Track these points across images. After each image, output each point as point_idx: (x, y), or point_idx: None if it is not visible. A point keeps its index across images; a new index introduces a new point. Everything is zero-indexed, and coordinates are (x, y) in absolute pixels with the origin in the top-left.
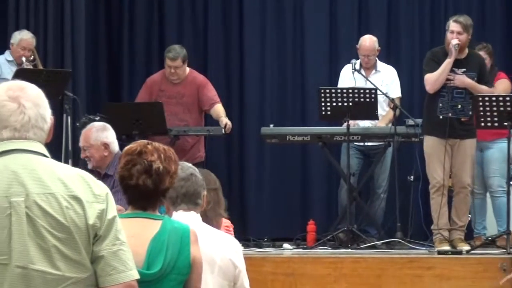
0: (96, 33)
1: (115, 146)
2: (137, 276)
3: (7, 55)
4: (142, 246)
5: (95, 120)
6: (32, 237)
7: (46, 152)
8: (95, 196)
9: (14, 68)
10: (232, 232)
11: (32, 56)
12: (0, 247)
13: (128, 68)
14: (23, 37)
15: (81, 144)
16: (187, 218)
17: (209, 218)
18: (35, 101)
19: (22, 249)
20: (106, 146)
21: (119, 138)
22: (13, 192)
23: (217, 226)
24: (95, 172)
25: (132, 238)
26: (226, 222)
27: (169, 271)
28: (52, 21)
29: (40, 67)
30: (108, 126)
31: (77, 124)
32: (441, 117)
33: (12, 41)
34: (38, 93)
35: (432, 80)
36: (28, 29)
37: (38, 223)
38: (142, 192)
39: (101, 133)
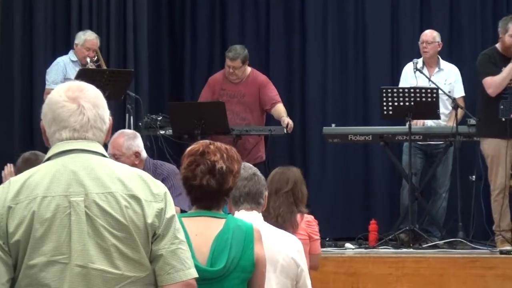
0: (159, 33)
1: (144, 153)
2: (196, 275)
3: (71, 55)
4: (206, 244)
5: (157, 120)
6: (92, 237)
7: (105, 152)
8: (153, 195)
9: (78, 69)
10: (316, 228)
11: (96, 57)
12: (60, 247)
13: (190, 68)
14: (87, 38)
15: (111, 151)
16: (249, 218)
17: (279, 223)
18: (94, 102)
19: (81, 248)
20: (137, 154)
21: (181, 138)
22: (73, 191)
23: (292, 226)
24: None
25: (196, 236)
26: (307, 217)
27: (233, 269)
28: (114, 21)
29: (104, 67)
30: (137, 133)
31: (140, 124)
32: (503, 119)
33: (76, 41)
34: (97, 94)
35: (496, 83)
36: (91, 30)
37: (97, 222)
38: (206, 192)
39: (132, 142)
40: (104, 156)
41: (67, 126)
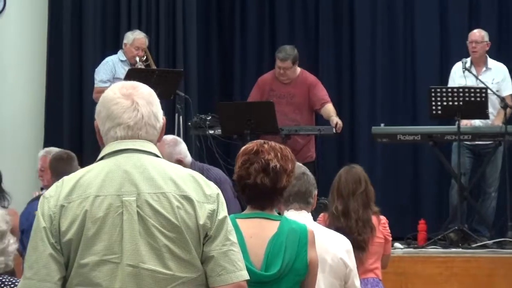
0: (208, 33)
1: (188, 159)
2: (247, 277)
3: (120, 55)
4: (260, 247)
5: (207, 120)
6: (143, 236)
7: (157, 152)
8: (206, 196)
9: (127, 68)
10: (388, 229)
11: (145, 56)
12: (112, 246)
13: (239, 67)
14: (136, 37)
15: None
16: (298, 218)
17: (359, 226)
18: (148, 99)
19: (133, 248)
20: (179, 162)
21: (231, 138)
22: (125, 191)
23: (371, 228)
24: None
25: (251, 238)
26: (382, 219)
27: (287, 272)
28: (164, 20)
29: (153, 66)
30: (180, 139)
31: (189, 123)
32: None
33: (125, 41)
34: (150, 92)
35: None
36: (140, 29)
37: (149, 222)
38: (260, 191)
39: (173, 149)
40: (157, 156)
41: (121, 123)
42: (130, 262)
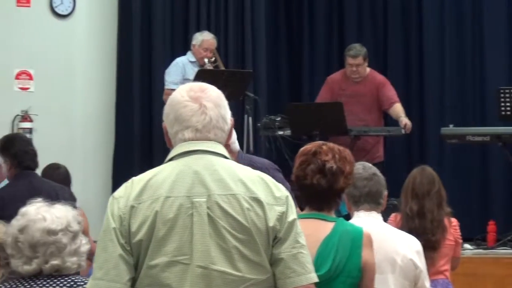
0: (277, 33)
1: (236, 146)
2: (316, 279)
3: (189, 56)
4: (312, 247)
5: (276, 121)
6: (213, 238)
7: (226, 153)
8: (275, 198)
9: (196, 69)
10: (459, 231)
11: (214, 57)
12: (182, 247)
13: (308, 68)
14: (204, 38)
15: None
16: (368, 218)
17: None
18: (216, 102)
19: (203, 249)
20: (226, 146)
21: (299, 138)
22: (195, 192)
23: (443, 229)
24: None
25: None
26: (453, 221)
27: (338, 274)
28: (232, 21)
29: (222, 68)
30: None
31: (258, 124)
32: None
33: (193, 42)
34: (219, 94)
35: None
36: (209, 30)
37: (219, 223)
38: (316, 191)
39: None
40: (226, 157)
41: (189, 126)
42: (200, 263)
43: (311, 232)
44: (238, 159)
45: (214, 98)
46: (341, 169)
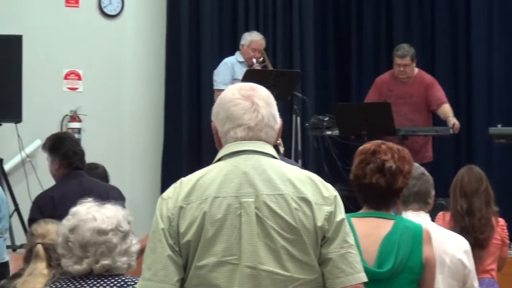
0: (325, 33)
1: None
2: (365, 279)
3: (238, 56)
4: (373, 245)
5: (324, 121)
6: (261, 238)
7: (275, 153)
8: (324, 198)
9: (244, 69)
10: (506, 231)
11: (262, 57)
12: (231, 247)
13: (356, 68)
14: (253, 38)
15: None
16: (416, 218)
17: (482, 224)
18: (266, 101)
19: (251, 249)
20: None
21: (348, 139)
22: (244, 192)
23: (491, 228)
24: None
25: (364, 237)
26: (500, 221)
27: (401, 270)
28: (280, 22)
29: (270, 68)
30: None
31: (307, 124)
32: None
33: (242, 42)
34: (268, 94)
35: None
36: (257, 31)
37: (267, 223)
38: (375, 191)
39: None
40: (275, 158)
41: (241, 124)
42: (249, 264)
43: (371, 231)
44: None
45: (264, 97)
46: (400, 168)
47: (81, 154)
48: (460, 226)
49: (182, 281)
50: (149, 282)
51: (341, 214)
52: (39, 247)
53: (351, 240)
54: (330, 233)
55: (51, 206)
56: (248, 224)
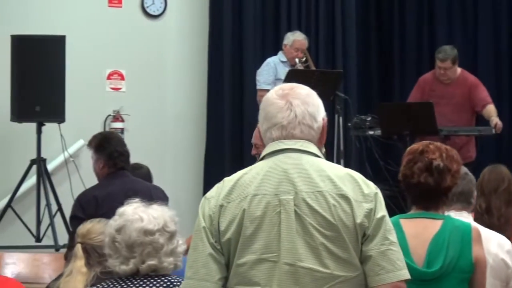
0: (367, 33)
1: None
2: (407, 276)
3: (281, 55)
4: (422, 245)
5: (366, 120)
6: (300, 235)
7: (317, 151)
8: (364, 195)
9: (287, 69)
10: None
11: (305, 57)
12: (270, 245)
13: (399, 68)
14: (296, 38)
15: (254, 141)
16: (458, 218)
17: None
18: (304, 99)
19: (290, 246)
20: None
21: (390, 138)
22: (283, 190)
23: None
24: None
25: (413, 238)
26: None
27: (450, 270)
28: (323, 21)
29: (313, 68)
30: None
31: (349, 124)
32: None
33: (285, 42)
34: (309, 93)
35: None
36: (300, 30)
37: (306, 220)
38: (423, 190)
39: None
40: (316, 155)
41: (276, 123)
42: (288, 261)
43: (420, 231)
44: None
45: (302, 95)
46: (448, 167)
47: (126, 155)
48: (480, 225)
49: (225, 280)
50: (191, 281)
51: (381, 211)
52: (78, 247)
53: (392, 237)
54: (370, 230)
55: (94, 205)
56: (287, 221)
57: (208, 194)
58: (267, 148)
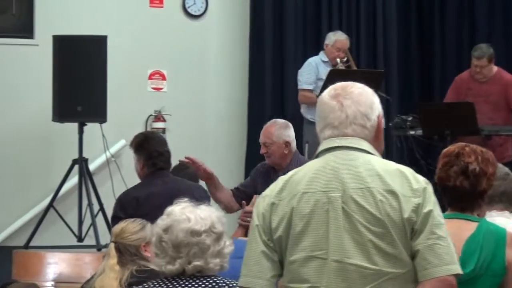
0: (408, 33)
1: (294, 144)
2: (457, 271)
3: (322, 55)
4: (456, 247)
5: (407, 120)
6: (348, 232)
7: (370, 148)
8: (413, 190)
9: (329, 69)
10: None
11: (346, 57)
12: (319, 242)
13: (439, 67)
14: (338, 38)
15: (262, 140)
16: (500, 218)
17: None
18: (355, 99)
19: (338, 243)
20: (287, 144)
21: (432, 138)
22: (331, 187)
23: None
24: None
25: None
26: None
27: (483, 273)
28: (364, 21)
29: (354, 68)
30: (290, 124)
31: (390, 124)
32: None
33: (326, 42)
34: (362, 91)
35: None
36: (341, 30)
37: (354, 217)
38: (459, 193)
39: (284, 131)
40: (368, 152)
41: (328, 124)
42: (336, 258)
43: (454, 231)
44: (293, 160)
45: (354, 95)
46: (484, 170)
47: (166, 155)
48: None
49: (280, 277)
50: (245, 278)
51: (429, 205)
52: (111, 246)
53: (440, 231)
54: (417, 225)
55: (134, 205)
56: (335, 219)
57: (264, 192)
58: (320, 146)
